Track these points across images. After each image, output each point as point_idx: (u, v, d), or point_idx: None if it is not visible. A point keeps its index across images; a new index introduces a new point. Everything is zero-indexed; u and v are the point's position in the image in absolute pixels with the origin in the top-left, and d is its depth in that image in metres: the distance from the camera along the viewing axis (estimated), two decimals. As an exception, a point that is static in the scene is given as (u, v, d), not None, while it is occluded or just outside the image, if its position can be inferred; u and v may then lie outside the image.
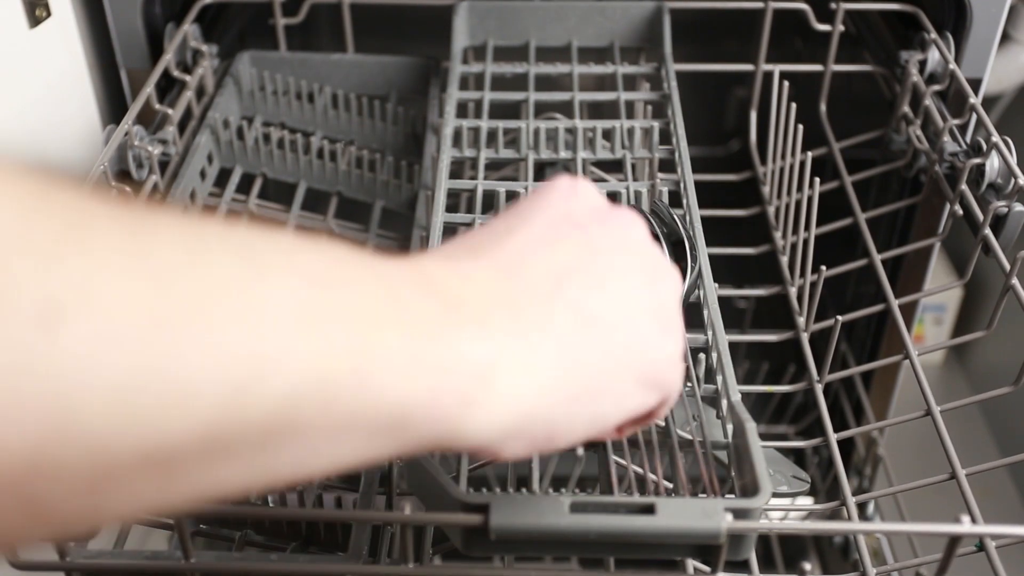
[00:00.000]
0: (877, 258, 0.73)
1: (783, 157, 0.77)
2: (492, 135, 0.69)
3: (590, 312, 0.36)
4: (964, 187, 0.68)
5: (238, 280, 0.28)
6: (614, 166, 0.70)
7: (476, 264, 0.36)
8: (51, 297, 0.24)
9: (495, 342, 0.33)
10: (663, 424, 0.50)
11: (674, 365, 0.39)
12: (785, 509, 0.95)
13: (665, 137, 0.69)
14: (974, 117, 0.72)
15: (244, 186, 0.76)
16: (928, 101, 0.75)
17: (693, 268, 0.56)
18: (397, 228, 0.76)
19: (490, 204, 0.63)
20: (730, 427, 0.49)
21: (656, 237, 0.57)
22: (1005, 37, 1.03)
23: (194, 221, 0.29)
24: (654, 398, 0.39)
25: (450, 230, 0.61)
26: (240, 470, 0.29)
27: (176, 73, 0.76)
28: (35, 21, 0.70)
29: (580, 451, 0.46)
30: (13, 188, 0.25)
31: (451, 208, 0.64)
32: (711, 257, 0.59)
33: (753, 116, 0.86)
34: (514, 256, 0.37)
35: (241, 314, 0.27)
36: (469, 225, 0.62)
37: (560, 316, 0.35)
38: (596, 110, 0.81)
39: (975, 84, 0.77)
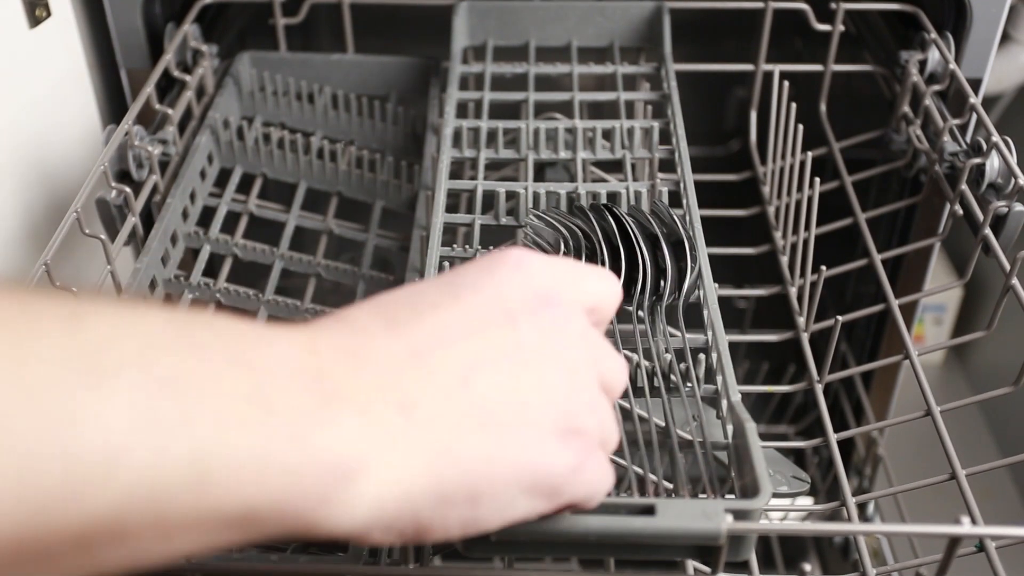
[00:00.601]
0: (877, 258, 0.73)
1: (783, 157, 0.77)
2: (492, 135, 0.69)
3: (489, 411, 0.35)
4: (964, 187, 0.68)
5: (68, 383, 0.27)
6: (614, 166, 0.70)
7: (384, 343, 0.35)
8: None
9: (366, 442, 0.32)
10: (663, 424, 0.50)
11: (576, 475, 0.36)
12: (785, 509, 0.95)
13: (665, 137, 0.69)
14: (974, 117, 0.72)
15: (244, 186, 0.76)
16: (928, 101, 0.75)
17: (693, 268, 0.56)
18: (397, 228, 0.76)
19: (490, 204, 0.63)
20: (730, 427, 0.49)
21: (656, 238, 0.57)
22: (1005, 37, 1.03)
23: (57, 312, 0.28)
24: (547, 506, 0.37)
25: (450, 230, 0.61)
26: (57, 570, 0.28)
27: (176, 73, 0.76)
28: (35, 21, 0.70)
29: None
30: None
31: (451, 208, 0.64)
32: (711, 257, 0.59)
33: (753, 116, 0.86)
34: (429, 339, 0.35)
35: (56, 421, 0.26)
36: (469, 225, 0.63)
37: (454, 414, 0.34)
38: (596, 110, 0.81)
39: (975, 84, 0.77)
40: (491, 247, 0.60)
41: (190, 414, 0.29)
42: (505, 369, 0.36)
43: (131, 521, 0.28)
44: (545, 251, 0.57)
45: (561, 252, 0.57)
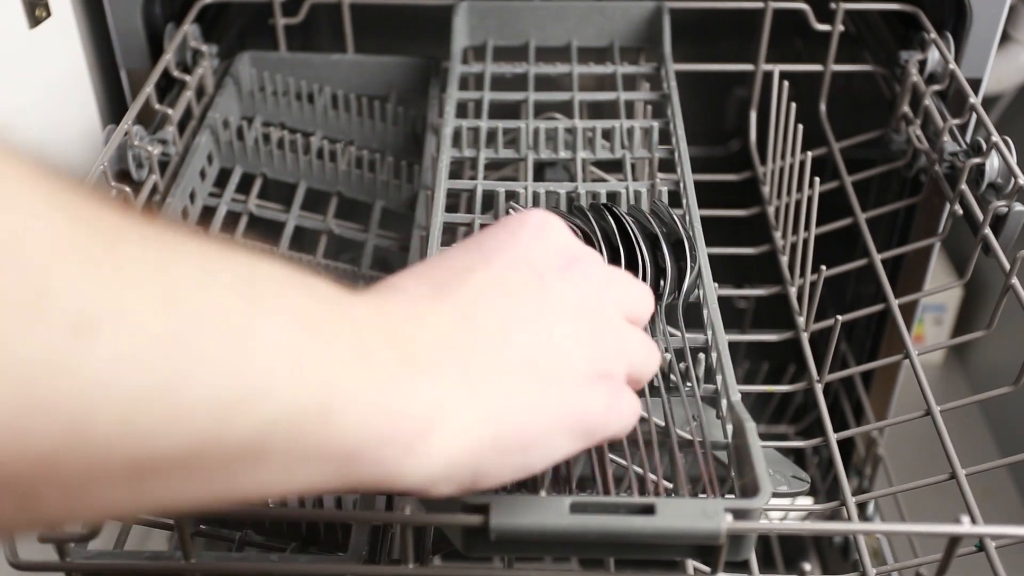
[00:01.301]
0: (877, 258, 0.73)
1: (783, 157, 0.77)
2: (492, 135, 0.69)
3: (532, 364, 0.37)
4: (964, 187, 0.68)
5: (237, 310, 0.30)
6: (614, 166, 0.70)
7: (435, 306, 0.37)
8: (86, 309, 0.25)
9: (439, 396, 0.35)
10: (663, 424, 0.50)
11: (610, 413, 0.40)
12: (785, 509, 0.95)
13: (665, 137, 0.69)
14: (974, 117, 0.72)
15: (244, 186, 0.76)
16: (928, 101, 0.75)
17: (693, 268, 0.56)
18: (397, 228, 0.76)
19: (490, 204, 0.63)
20: (730, 427, 0.49)
21: (656, 238, 0.57)
22: (1005, 37, 1.03)
23: (206, 245, 0.30)
24: (586, 443, 0.39)
25: (450, 230, 0.61)
26: (207, 486, 0.30)
27: (176, 73, 0.76)
28: (35, 21, 0.70)
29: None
30: (62, 198, 0.26)
31: (451, 208, 0.64)
32: (711, 257, 0.59)
33: (753, 116, 0.86)
34: (471, 299, 0.38)
35: (236, 343, 0.29)
36: (469, 225, 0.62)
37: (504, 369, 0.37)
38: (596, 110, 0.81)
39: (975, 84, 0.77)
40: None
41: (320, 351, 0.31)
42: (539, 323, 0.39)
43: (273, 444, 0.30)
44: None
45: None
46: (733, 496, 0.46)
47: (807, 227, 0.69)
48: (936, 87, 0.76)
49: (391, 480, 0.34)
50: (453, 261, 0.40)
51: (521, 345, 0.37)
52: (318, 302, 0.33)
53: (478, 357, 0.36)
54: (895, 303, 0.70)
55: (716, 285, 0.57)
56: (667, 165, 0.67)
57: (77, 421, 0.25)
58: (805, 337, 0.70)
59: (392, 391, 0.33)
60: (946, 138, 0.71)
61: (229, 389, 0.28)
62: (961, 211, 0.69)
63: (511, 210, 0.61)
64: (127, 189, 0.64)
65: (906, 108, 0.78)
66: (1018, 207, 0.64)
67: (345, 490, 0.37)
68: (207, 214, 0.73)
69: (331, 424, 0.31)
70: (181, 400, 0.27)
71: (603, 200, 0.63)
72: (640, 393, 0.52)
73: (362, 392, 0.32)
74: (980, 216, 0.66)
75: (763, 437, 0.48)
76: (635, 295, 0.44)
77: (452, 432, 0.35)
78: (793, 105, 0.76)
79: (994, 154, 0.66)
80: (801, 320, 0.70)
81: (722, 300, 0.57)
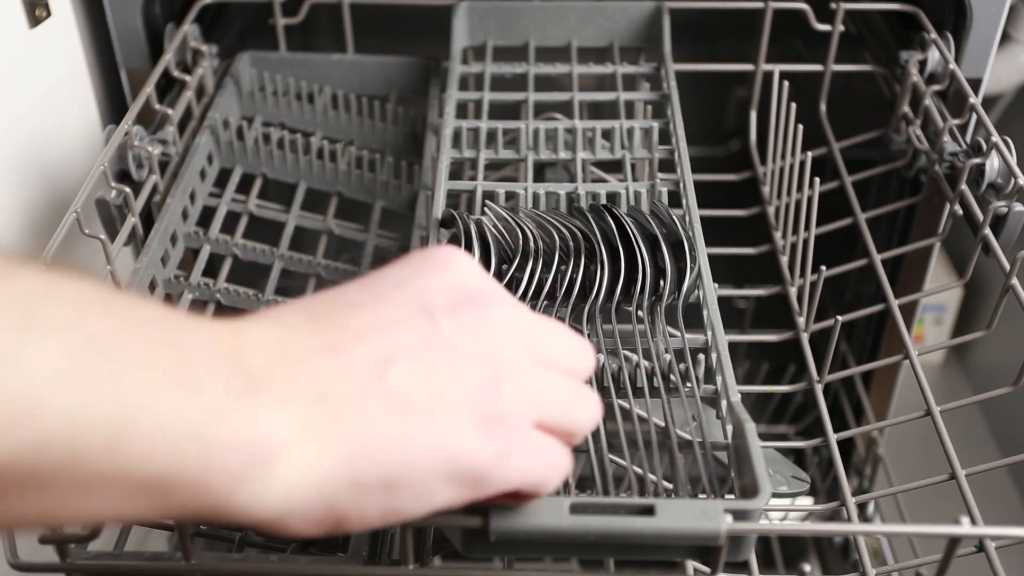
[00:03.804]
0: (877, 258, 0.73)
1: (783, 157, 0.77)
2: (492, 136, 0.69)
3: (404, 402, 0.35)
4: (964, 187, 0.68)
5: (6, 328, 0.29)
6: (614, 166, 0.70)
7: (302, 338, 0.36)
8: None
9: (283, 429, 0.33)
10: (663, 424, 0.50)
11: (501, 461, 0.36)
12: (785, 509, 0.95)
13: (665, 137, 0.69)
14: (974, 117, 0.72)
15: (244, 186, 0.76)
16: (928, 101, 0.75)
17: (693, 269, 0.56)
18: (397, 228, 0.76)
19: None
20: (730, 427, 0.49)
21: (655, 238, 0.57)
22: (1005, 37, 1.03)
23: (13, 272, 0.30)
24: (473, 493, 0.37)
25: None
26: None
27: (176, 73, 0.76)
28: (35, 21, 0.70)
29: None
30: None
31: (451, 208, 0.64)
32: (711, 257, 0.59)
33: (753, 116, 0.86)
34: (345, 333, 0.36)
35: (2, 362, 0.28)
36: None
37: (369, 406, 0.35)
38: (596, 110, 0.81)
39: (975, 84, 0.77)
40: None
41: (118, 375, 0.30)
42: (420, 362, 0.36)
43: (46, 468, 0.29)
44: (471, 247, 0.57)
45: (495, 250, 0.57)
46: (733, 497, 0.46)
47: (807, 227, 0.69)
48: (936, 87, 0.76)
49: (224, 510, 0.33)
50: (342, 295, 0.38)
51: (393, 381, 0.35)
52: (133, 326, 0.32)
53: (340, 391, 0.34)
54: (895, 303, 0.70)
55: (716, 285, 0.57)
56: (667, 165, 0.67)
57: None
58: (805, 337, 0.70)
59: (217, 419, 0.32)
60: (946, 138, 0.71)
61: None
62: (961, 211, 0.69)
63: (485, 210, 0.61)
64: (127, 189, 0.64)
65: (906, 108, 0.78)
66: (1018, 207, 0.64)
67: (180, 517, 0.36)
68: (207, 214, 0.73)
69: (125, 452, 0.30)
70: None
71: (603, 200, 0.63)
72: (639, 393, 0.52)
73: (174, 417, 0.31)
74: (980, 216, 0.66)
75: (763, 437, 0.48)
76: (563, 345, 0.40)
77: (296, 465, 0.33)
78: (793, 105, 0.76)
79: (994, 154, 0.66)
80: (801, 320, 0.70)
81: (722, 300, 0.57)
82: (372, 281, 0.39)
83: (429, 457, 0.35)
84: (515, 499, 0.39)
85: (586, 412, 0.40)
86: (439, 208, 0.61)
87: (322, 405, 0.34)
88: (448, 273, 0.39)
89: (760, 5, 0.80)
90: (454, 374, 0.36)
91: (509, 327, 0.39)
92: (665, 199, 0.63)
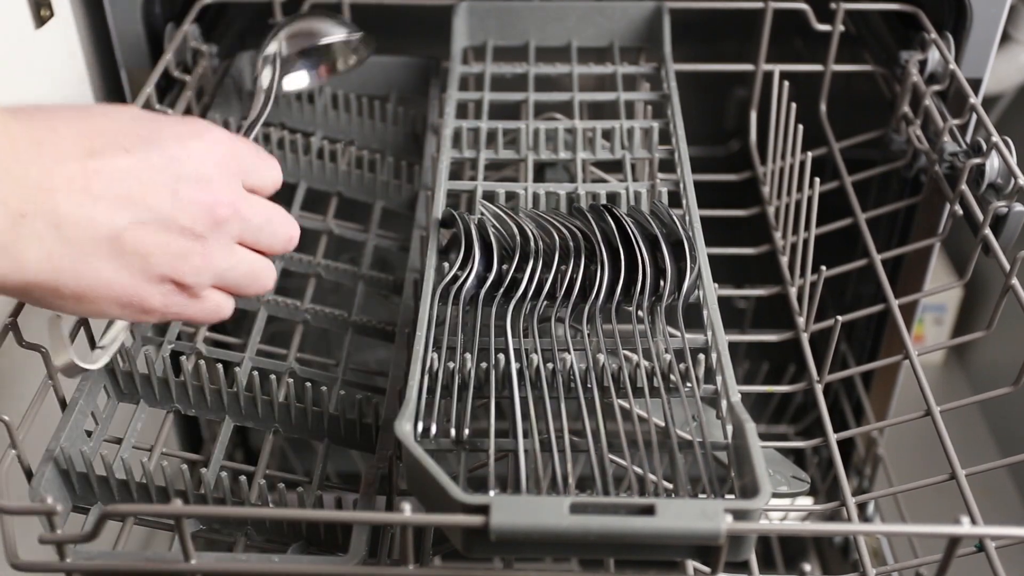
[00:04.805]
0: (877, 258, 0.73)
1: (783, 157, 0.77)
2: (492, 136, 0.69)
3: (118, 245, 0.45)
4: (964, 187, 0.68)
5: None
6: (614, 166, 0.70)
7: (68, 156, 0.44)
8: None
9: (16, 232, 0.42)
10: (663, 424, 0.50)
11: (166, 306, 0.48)
12: (785, 509, 0.95)
13: (665, 137, 0.69)
14: (974, 117, 0.72)
15: (244, 186, 0.76)
16: (928, 101, 0.75)
17: (693, 268, 0.56)
18: (397, 228, 0.76)
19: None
20: (730, 427, 0.49)
21: (655, 238, 0.57)
22: (1005, 37, 1.03)
23: None
24: (145, 317, 0.48)
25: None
26: None
27: (176, 73, 0.76)
28: (40, 21, 0.70)
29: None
30: None
31: (451, 208, 0.64)
32: (711, 257, 0.59)
33: (753, 116, 0.86)
34: (87, 175, 0.44)
35: None
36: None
37: (88, 234, 0.44)
38: (596, 110, 0.81)
39: (975, 84, 0.77)
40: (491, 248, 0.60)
41: None
42: (118, 145, 0.45)
43: None
44: (470, 246, 0.57)
45: (496, 250, 0.57)
46: (733, 496, 0.46)
47: (807, 227, 0.69)
48: (936, 87, 0.76)
49: None
50: (121, 139, 0.46)
51: (115, 235, 0.44)
52: None
53: (70, 223, 0.43)
54: (895, 303, 0.70)
55: (716, 285, 0.57)
56: (667, 165, 0.67)
57: None
58: (805, 337, 0.70)
59: None
60: (946, 138, 0.71)
61: None
62: (961, 211, 0.69)
63: (482, 209, 0.61)
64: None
65: (906, 108, 0.78)
66: (1018, 207, 0.64)
67: None
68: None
69: None
70: None
71: (603, 201, 0.63)
72: (640, 393, 0.52)
73: None
74: (980, 216, 0.66)
75: (763, 437, 0.48)
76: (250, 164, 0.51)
77: (9, 259, 0.42)
78: (793, 105, 0.76)
79: (994, 154, 0.66)
80: (801, 320, 0.70)
81: (722, 300, 0.57)
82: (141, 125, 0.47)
83: (114, 296, 0.46)
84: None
85: (270, 223, 0.51)
86: (439, 208, 0.61)
87: (50, 230, 0.43)
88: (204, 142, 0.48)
89: (760, 5, 0.80)
90: (143, 163, 0.45)
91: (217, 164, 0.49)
92: (665, 199, 0.63)
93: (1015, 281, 0.61)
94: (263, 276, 0.51)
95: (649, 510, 0.40)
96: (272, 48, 0.71)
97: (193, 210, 0.47)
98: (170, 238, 0.46)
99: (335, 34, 0.74)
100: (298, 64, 0.74)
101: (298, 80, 0.74)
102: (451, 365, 0.52)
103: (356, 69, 0.79)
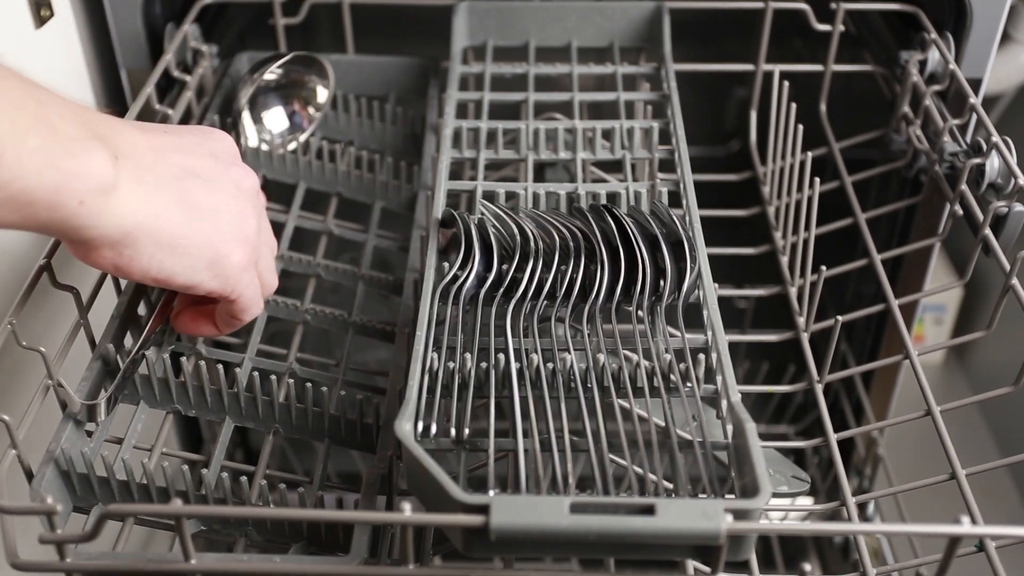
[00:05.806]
0: (877, 258, 0.73)
1: (783, 157, 0.77)
2: (492, 136, 0.69)
3: (191, 203, 0.50)
4: (964, 187, 0.69)
5: None
6: (614, 166, 0.70)
7: (136, 133, 0.49)
8: None
9: (115, 174, 0.45)
10: (663, 424, 0.50)
11: (242, 274, 0.52)
12: (785, 509, 0.95)
13: (665, 137, 0.69)
14: (974, 117, 0.72)
15: (244, 186, 0.76)
16: (928, 101, 0.75)
17: (693, 268, 0.56)
18: (397, 228, 0.76)
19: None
20: (730, 427, 0.49)
21: (655, 238, 0.57)
22: (1005, 37, 1.03)
23: None
24: (218, 285, 0.52)
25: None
26: None
27: (176, 73, 0.76)
28: (40, 21, 0.70)
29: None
30: None
31: (451, 208, 0.64)
32: (711, 257, 0.59)
33: (753, 116, 0.86)
34: (165, 145, 0.50)
35: None
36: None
37: (171, 194, 0.49)
38: (596, 110, 0.81)
39: (975, 84, 0.77)
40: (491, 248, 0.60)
41: None
42: (203, 179, 0.51)
43: None
44: (470, 246, 0.57)
45: (496, 250, 0.57)
46: (733, 496, 0.46)
47: (807, 227, 0.69)
48: (936, 87, 0.76)
49: (71, 226, 0.44)
50: (168, 140, 0.51)
51: (187, 191, 0.50)
52: (4, 82, 0.43)
53: (153, 174, 0.48)
54: (895, 303, 0.70)
55: (716, 285, 0.57)
56: (667, 165, 0.67)
57: None
58: (805, 337, 0.70)
59: (67, 155, 0.43)
60: (946, 138, 0.71)
61: None
62: (961, 211, 0.69)
63: (481, 209, 0.61)
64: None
65: (906, 108, 0.78)
66: (1018, 207, 0.64)
67: (37, 229, 0.45)
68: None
69: (2, 168, 0.41)
70: None
71: (603, 201, 0.63)
72: (640, 393, 0.52)
73: (35, 148, 0.42)
74: (980, 216, 0.66)
75: (763, 437, 0.48)
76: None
77: (119, 203, 0.45)
78: (793, 105, 0.76)
79: (994, 154, 0.66)
80: (801, 320, 0.70)
81: (722, 300, 0.57)
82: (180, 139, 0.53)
83: (207, 244, 0.50)
84: (230, 318, 0.56)
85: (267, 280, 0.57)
86: (439, 208, 0.61)
87: (139, 175, 0.47)
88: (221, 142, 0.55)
89: (760, 5, 0.80)
90: (226, 199, 0.52)
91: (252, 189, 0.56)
92: (665, 199, 0.63)
93: (1015, 281, 0.61)
94: (260, 304, 0.56)
95: (649, 510, 0.40)
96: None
97: (244, 210, 0.54)
98: (245, 206, 0.53)
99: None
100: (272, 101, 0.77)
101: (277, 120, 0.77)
102: (451, 365, 0.52)
103: (356, 69, 0.79)
